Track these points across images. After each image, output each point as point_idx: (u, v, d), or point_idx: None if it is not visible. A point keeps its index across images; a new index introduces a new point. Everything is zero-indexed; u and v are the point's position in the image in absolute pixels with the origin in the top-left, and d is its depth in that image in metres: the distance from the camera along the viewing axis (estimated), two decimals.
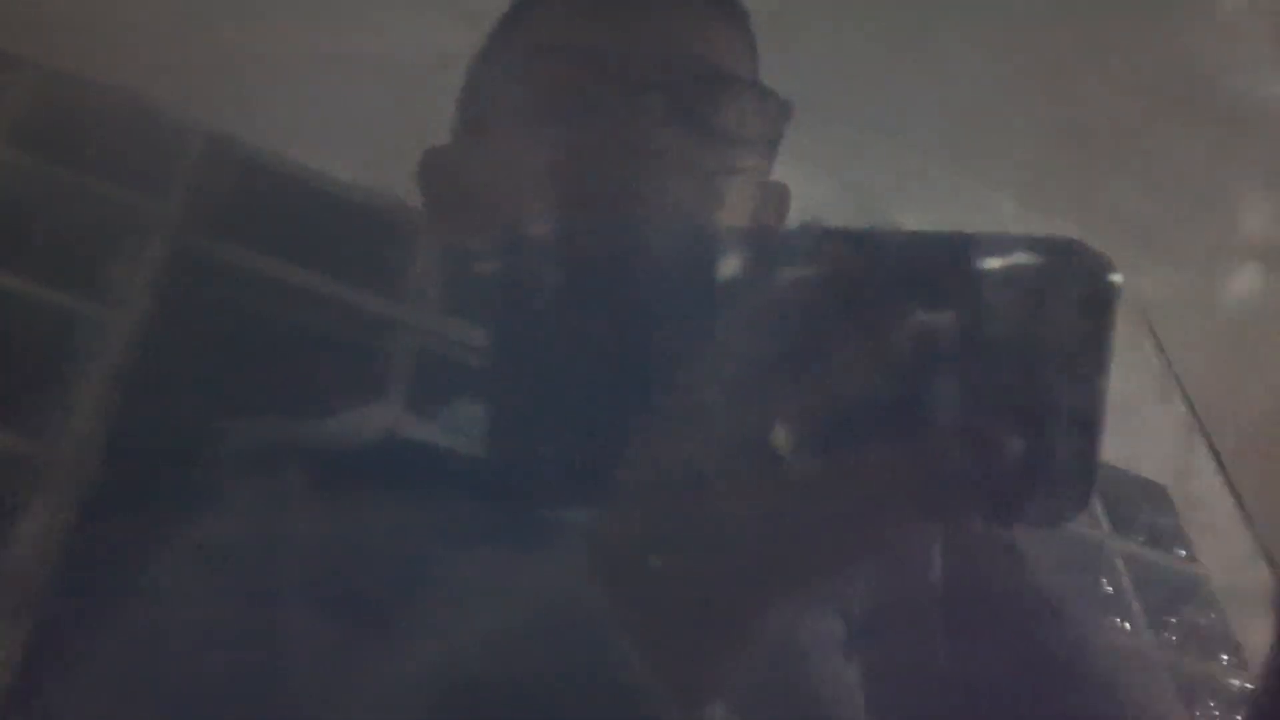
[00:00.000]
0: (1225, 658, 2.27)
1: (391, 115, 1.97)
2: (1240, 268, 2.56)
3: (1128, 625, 2.14)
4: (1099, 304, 0.37)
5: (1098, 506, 2.34)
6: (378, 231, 1.97)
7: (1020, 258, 0.37)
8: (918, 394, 0.35)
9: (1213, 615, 2.31)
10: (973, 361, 0.36)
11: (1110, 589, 2.18)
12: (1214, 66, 2.17)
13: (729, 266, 0.39)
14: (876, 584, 0.43)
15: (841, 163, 2.29)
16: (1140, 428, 2.43)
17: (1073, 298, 0.37)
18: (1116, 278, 0.37)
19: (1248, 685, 2.21)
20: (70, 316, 1.58)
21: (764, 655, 0.39)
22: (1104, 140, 2.41)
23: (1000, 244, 0.37)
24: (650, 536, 0.38)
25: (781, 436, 0.36)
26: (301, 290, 1.82)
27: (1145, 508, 2.46)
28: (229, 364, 1.65)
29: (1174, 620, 2.31)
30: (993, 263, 0.37)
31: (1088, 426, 0.37)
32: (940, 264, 0.37)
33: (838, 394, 0.35)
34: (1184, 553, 2.42)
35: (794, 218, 0.70)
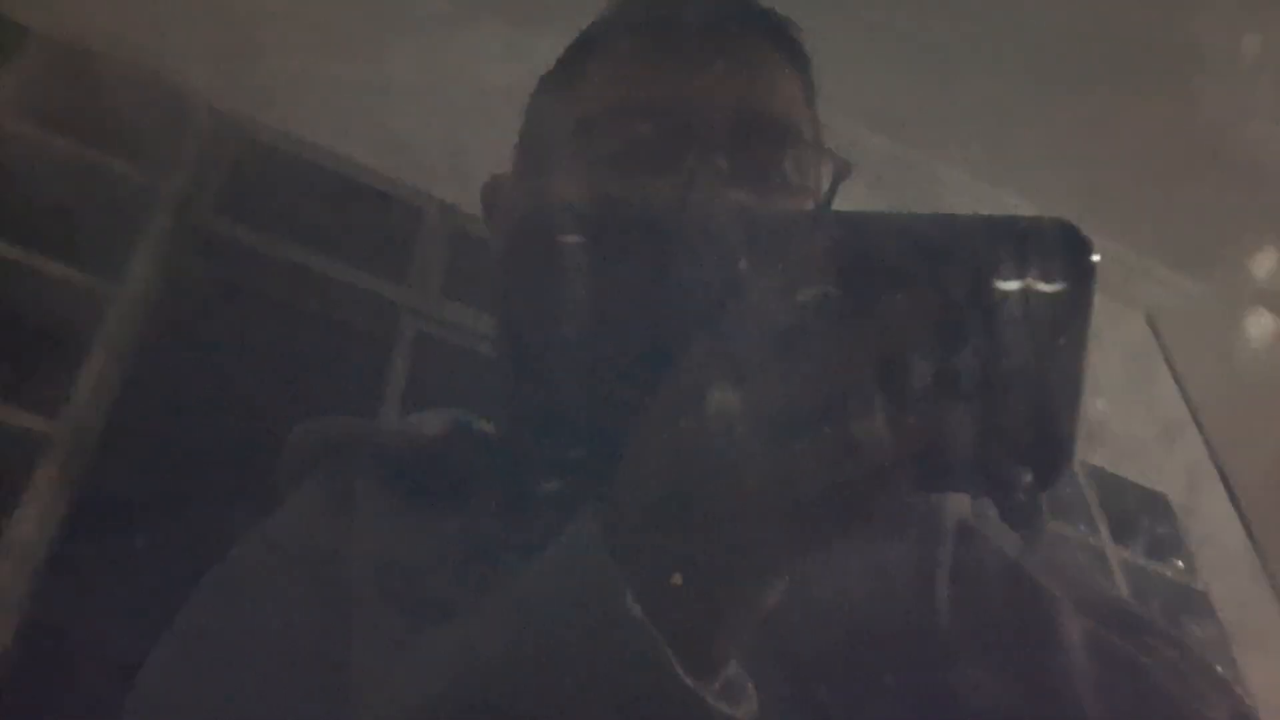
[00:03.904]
0: (1220, 671, 2.26)
1: (401, 97, 1.98)
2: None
3: None
4: (1080, 281, 0.38)
5: (1097, 513, 2.35)
6: (384, 213, 1.97)
7: (1003, 238, 0.38)
8: (863, 376, 0.37)
9: (1210, 627, 2.31)
10: (942, 344, 0.37)
11: None
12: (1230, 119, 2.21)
13: (725, 256, 0.41)
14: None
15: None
16: (1144, 437, 2.43)
17: (1054, 278, 0.38)
18: (1095, 257, 0.38)
19: (1245, 700, 2.20)
20: (76, 291, 1.58)
21: (767, 617, 0.41)
22: (1126, 182, 2.44)
23: (984, 226, 0.39)
24: (659, 516, 0.40)
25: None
26: (305, 269, 1.82)
27: (1145, 517, 2.46)
28: (232, 339, 1.65)
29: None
30: (978, 246, 0.38)
31: (1067, 399, 0.38)
32: (926, 249, 0.38)
33: (817, 380, 0.37)
34: (1182, 564, 2.42)
35: None
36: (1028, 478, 0.39)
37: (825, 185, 0.63)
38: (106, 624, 1.24)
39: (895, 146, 2.51)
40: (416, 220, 2.00)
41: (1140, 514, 2.46)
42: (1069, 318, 0.38)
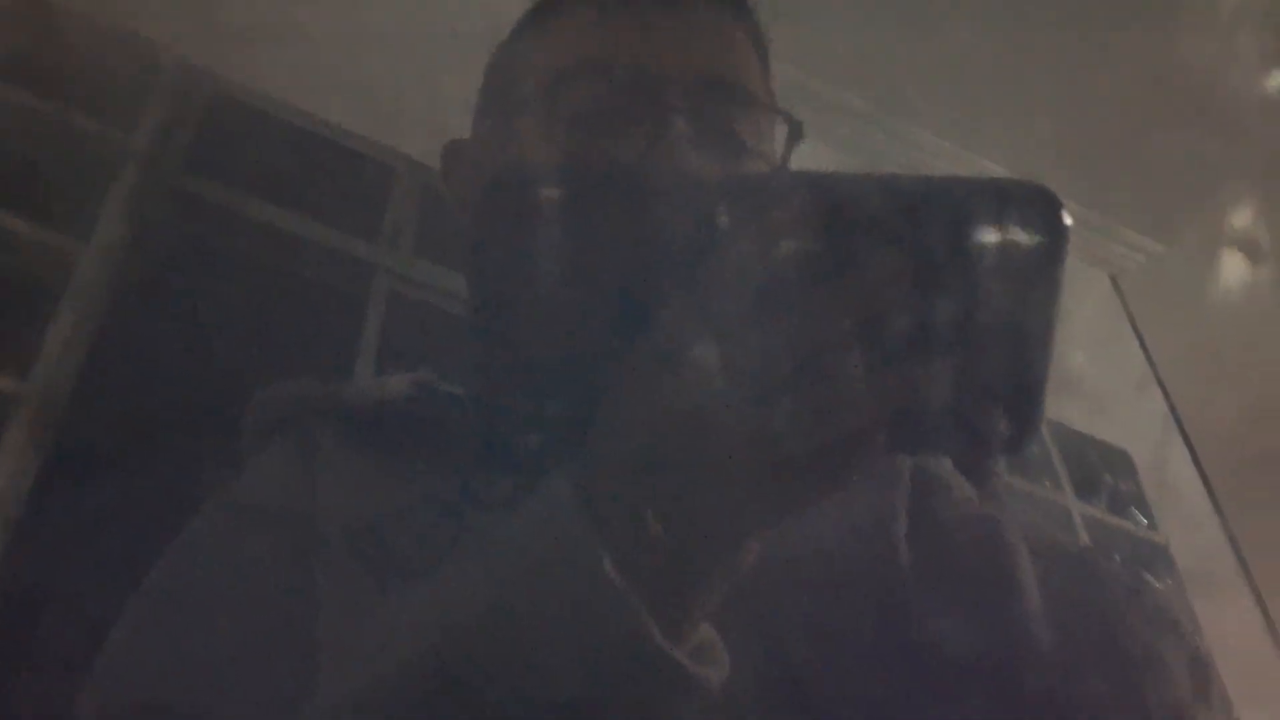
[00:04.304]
0: (1177, 615, 2.30)
1: (372, 53, 1.95)
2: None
3: None
4: (1053, 245, 0.38)
5: (1061, 469, 2.38)
6: (356, 170, 1.95)
7: (978, 200, 0.39)
8: (842, 335, 0.37)
9: (1169, 581, 2.35)
10: (918, 304, 0.38)
11: None
12: (1213, 66, 2.20)
13: (706, 216, 0.41)
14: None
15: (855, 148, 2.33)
16: (1107, 395, 2.46)
17: (1026, 239, 0.38)
18: (1068, 219, 0.39)
19: (1200, 643, 2.24)
20: (44, 249, 1.56)
21: (739, 580, 0.41)
22: (1104, 133, 2.44)
23: (959, 187, 0.39)
24: (637, 474, 0.40)
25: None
26: (276, 227, 1.80)
27: (1108, 473, 2.49)
28: (203, 298, 1.64)
29: None
30: (954, 206, 0.39)
31: (1038, 357, 0.39)
32: (903, 208, 0.38)
33: (801, 336, 0.37)
34: (1144, 518, 2.46)
35: None
36: (1005, 431, 0.40)
37: (780, 149, 0.64)
38: (79, 582, 1.23)
39: (863, 104, 2.50)
40: (389, 177, 1.98)
41: (1103, 470, 2.49)
42: (1041, 278, 0.39)
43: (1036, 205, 0.39)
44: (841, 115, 2.42)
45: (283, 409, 0.66)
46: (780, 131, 0.64)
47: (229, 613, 0.53)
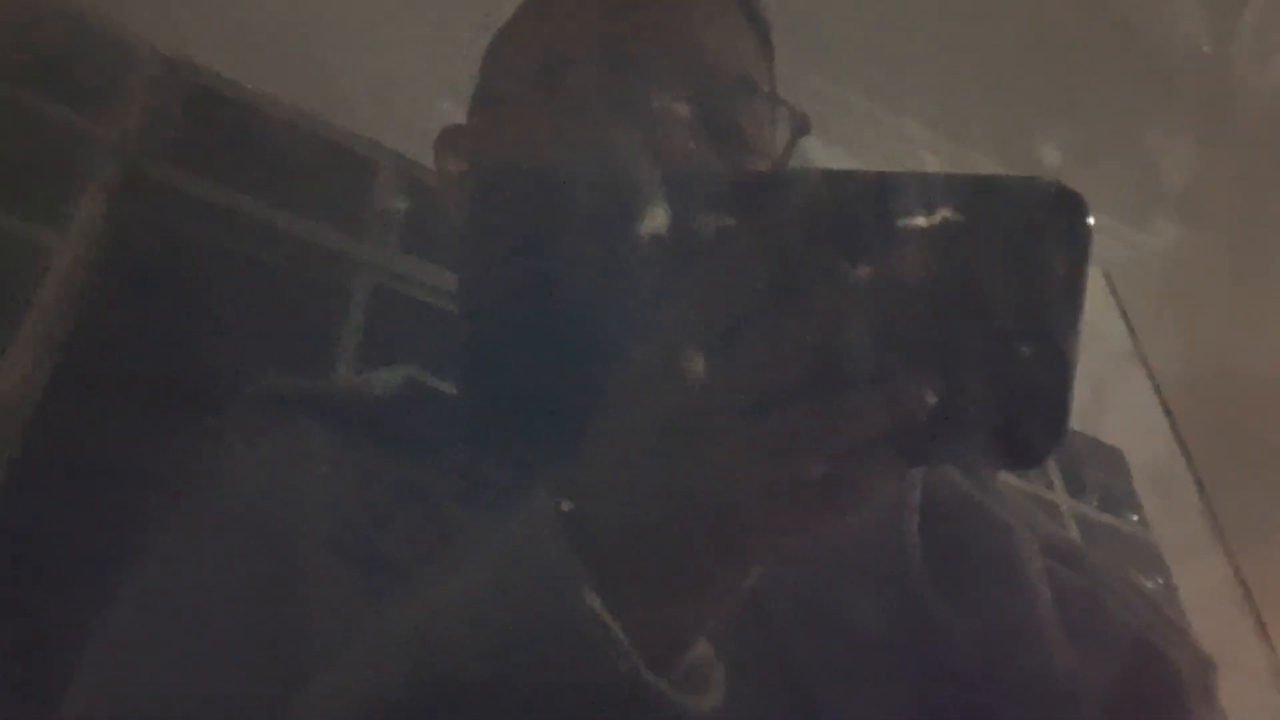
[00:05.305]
0: (1176, 618, 2.31)
1: (355, 46, 1.93)
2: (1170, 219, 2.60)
3: None
4: (1072, 249, 0.36)
5: (1052, 467, 2.37)
6: (338, 165, 1.93)
7: (979, 198, 0.36)
8: (846, 342, 0.35)
9: (1159, 580, 2.36)
10: (900, 308, 0.35)
11: None
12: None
13: (660, 215, 0.39)
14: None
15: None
16: (1099, 392, 2.45)
17: (1044, 242, 0.36)
18: (1091, 220, 0.36)
19: (1200, 646, 2.24)
20: (19, 242, 1.53)
21: (734, 608, 0.39)
22: (1029, 78, 2.41)
23: (954, 186, 0.36)
24: (618, 494, 0.38)
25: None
26: (258, 221, 1.78)
27: (1100, 471, 2.49)
28: (184, 294, 1.62)
29: None
30: (943, 206, 0.36)
31: (1053, 372, 0.37)
32: (875, 209, 0.36)
33: (772, 346, 0.35)
34: (1136, 518, 2.46)
35: None
36: (1025, 442, 0.37)
37: (782, 143, 0.63)
38: (49, 591, 1.21)
39: (858, 98, 2.48)
40: (374, 171, 1.96)
41: (1095, 468, 2.49)
42: (1064, 280, 0.36)
43: (1061, 204, 0.36)
44: (833, 108, 2.40)
45: (274, 403, 0.64)
46: (784, 125, 0.63)
47: (213, 618, 0.52)
